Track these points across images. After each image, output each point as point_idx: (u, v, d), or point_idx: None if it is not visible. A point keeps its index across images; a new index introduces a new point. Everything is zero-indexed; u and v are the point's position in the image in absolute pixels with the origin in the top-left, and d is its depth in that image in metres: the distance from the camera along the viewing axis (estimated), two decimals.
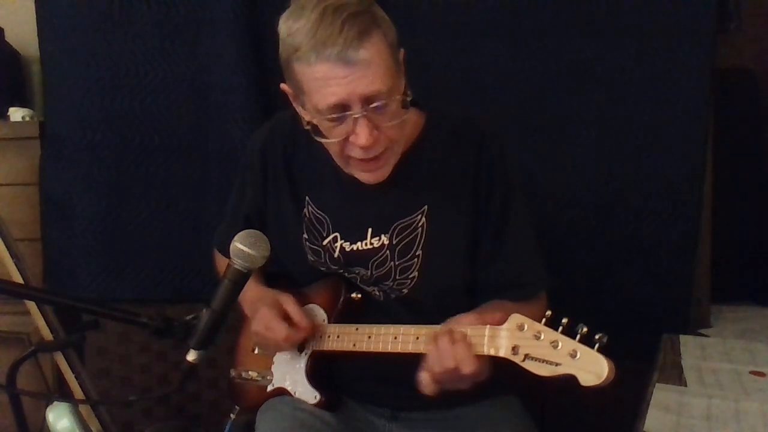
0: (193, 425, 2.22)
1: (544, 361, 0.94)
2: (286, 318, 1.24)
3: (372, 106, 1.08)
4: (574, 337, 0.92)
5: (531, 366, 0.95)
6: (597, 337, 0.90)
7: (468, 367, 1.01)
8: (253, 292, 1.34)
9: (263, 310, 1.26)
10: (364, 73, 1.05)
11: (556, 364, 0.92)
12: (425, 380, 1.06)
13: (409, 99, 1.14)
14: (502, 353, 0.99)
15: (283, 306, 1.26)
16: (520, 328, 0.97)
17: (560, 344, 0.93)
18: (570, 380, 0.91)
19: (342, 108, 1.09)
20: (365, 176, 1.18)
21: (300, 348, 1.30)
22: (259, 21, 1.91)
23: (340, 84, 1.06)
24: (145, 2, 1.95)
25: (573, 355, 0.91)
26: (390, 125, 1.11)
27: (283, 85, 1.17)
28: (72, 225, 2.02)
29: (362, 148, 1.11)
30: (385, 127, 1.11)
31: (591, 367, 0.90)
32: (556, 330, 0.94)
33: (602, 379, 0.89)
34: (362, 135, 1.09)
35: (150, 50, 1.97)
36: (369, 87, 1.06)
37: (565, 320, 0.94)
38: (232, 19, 1.92)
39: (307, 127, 1.16)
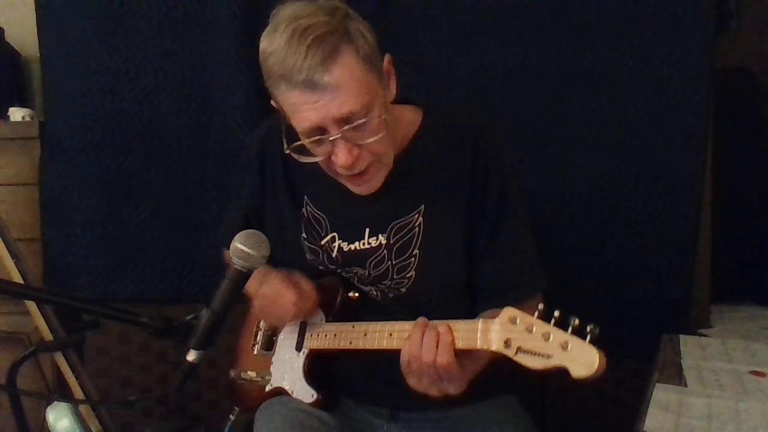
0: (193, 425, 2.22)
1: (536, 353, 0.93)
2: (296, 287, 1.26)
3: (348, 126, 1.08)
4: (566, 330, 0.92)
5: (523, 359, 0.95)
6: (589, 328, 0.90)
7: (443, 358, 1.02)
8: (260, 273, 1.33)
9: (274, 280, 1.28)
10: (335, 96, 1.06)
11: (548, 356, 0.92)
12: (404, 353, 1.07)
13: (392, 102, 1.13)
14: (494, 347, 0.98)
15: (293, 277, 1.28)
16: (513, 321, 0.97)
17: (552, 336, 0.92)
18: (564, 373, 0.91)
19: (319, 131, 1.10)
20: (355, 189, 1.20)
21: (298, 347, 1.30)
22: (259, 21, 1.90)
23: (311, 109, 1.07)
24: (145, 2, 1.95)
25: (564, 347, 0.91)
26: (371, 141, 1.11)
27: (272, 102, 1.17)
28: (72, 225, 2.02)
29: (343, 167, 1.12)
30: (366, 143, 1.11)
31: (582, 359, 0.89)
32: (549, 323, 0.94)
33: (593, 370, 0.88)
34: (341, 156, 1.10)
35: (150, 50, 1.97)
36: (341, 109, 1.06)
37: (557, 313, 0.93)
38: (232, 19, 1.92)
39: (286, 150, 1.15)
